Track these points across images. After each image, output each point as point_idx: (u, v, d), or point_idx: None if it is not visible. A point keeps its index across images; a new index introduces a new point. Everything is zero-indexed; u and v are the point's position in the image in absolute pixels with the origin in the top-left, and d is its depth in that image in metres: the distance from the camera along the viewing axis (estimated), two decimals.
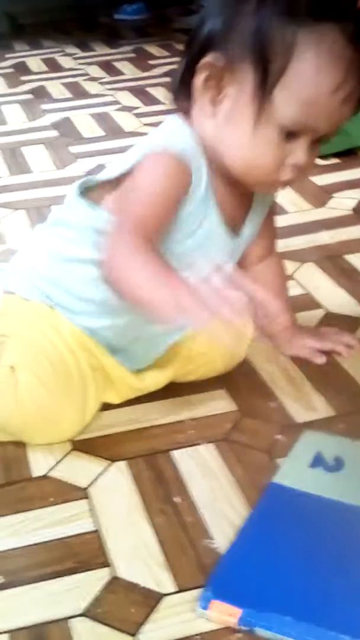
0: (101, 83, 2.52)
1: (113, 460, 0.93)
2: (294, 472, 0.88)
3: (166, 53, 2.86)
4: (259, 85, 0.81)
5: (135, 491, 0.89)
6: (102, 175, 0.94)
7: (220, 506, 0.86)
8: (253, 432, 0.97)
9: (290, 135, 0.83)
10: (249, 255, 1.03)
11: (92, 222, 0.91)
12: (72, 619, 0.74)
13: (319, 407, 1.00)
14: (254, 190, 0.93)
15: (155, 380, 1.01)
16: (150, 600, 0.75)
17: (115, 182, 0.90)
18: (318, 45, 0.79)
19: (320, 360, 1.07)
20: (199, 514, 0.85)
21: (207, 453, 0.94)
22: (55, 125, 2.14)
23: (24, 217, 1.59)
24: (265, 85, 0.81)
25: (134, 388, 1.00)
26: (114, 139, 2.02)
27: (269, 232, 1.05)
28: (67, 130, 2.10)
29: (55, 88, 2.49)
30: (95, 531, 0.84)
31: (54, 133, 2.08)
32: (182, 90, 0.87)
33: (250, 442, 0.95)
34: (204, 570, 0.78)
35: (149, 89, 2.44)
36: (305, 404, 1.01)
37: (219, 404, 1.02)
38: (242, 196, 0.94)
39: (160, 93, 2.39)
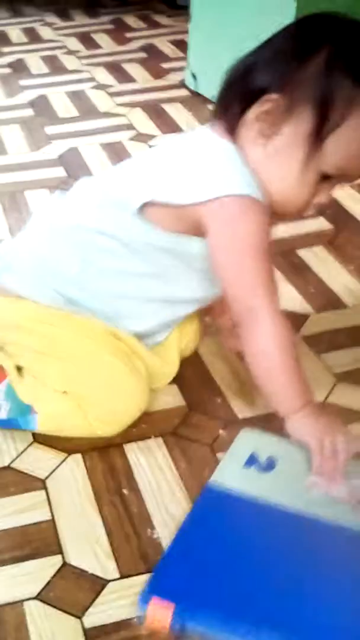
0: (78, 57, 2.56)
1: (70, 453, 1.02)
2: (229, 471, 0.95)
3: (143, 25, 2.89)
4: (314, 132, 0.89)
5: (88, 483, 0.98)
6: (157, 196, 0.95)
7: (164, 499, 0.95)
8: (198, 427, 1.06)
9: (325, 177, 0.92)
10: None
11: (147, 239, 0.97)
12: (26, 602, 0.84)
13: (260, 404, 1.09)
14: (277, 218, 0.99)
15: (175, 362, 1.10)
16: (96, 586, 0.85)
17: (181, 208, 0.94)
18: None
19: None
20: (144, 505, 0.95)
21: (155, 447, 1.03)
22: (31, 103, 2.19)
23: None
24: (320, 133, 0.89)
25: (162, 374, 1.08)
26: (87, 120, 2.08)
27: None
28: (42, 109, 2.15)
29: (34, 61, 2.52)
30: (51, 520, 0.93)
31: (30, 112, 2.14)
32: (229, 111, 0.94)
33: (196, 436, 1.05)
34: (146, 559, 0.88)
35: (124, 65, 2.48)
36: (248, 400, 1.10)
37: (170, 398, 1.11)
38: None
39: (134, 70, 2.44)
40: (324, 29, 0.91)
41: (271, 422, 1.05)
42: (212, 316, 1.18)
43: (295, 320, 1.26)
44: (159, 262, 0.99)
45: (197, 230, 0.95)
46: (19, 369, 1.04)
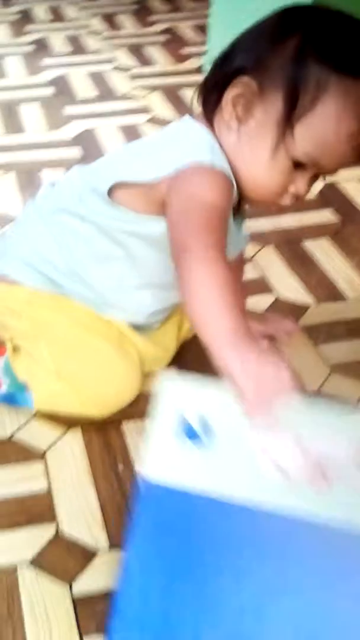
0: (101, 38, 2.58)
1: (69, 427, 1.07)
2: (162, 453, 0.73)
3: (168, 7, 2.90)
4: (284, 116, 0.87)
5: (86, 457, 1.03)
6: (125, 176, 0.96)
7: None
8: None
9: (298, 165, 0.91)
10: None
11: (117, 222, 0.99)
12: (19, 567, 0.88)
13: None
14: (251, 204, 0.99)
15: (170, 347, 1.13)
16: (87, 555, 0.90)
17: (148, 186, 0.93)
18: (345, 96, 0.86)
19: (262, 344, 1.18)
20: (137, 481, 0.99)
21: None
22: (52, 83, 2.22)
23: (14, 180, 1.69)
24: (290, 118, 0.87)
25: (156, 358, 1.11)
26: (106, 101, 2.11)
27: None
28: (62, 88, 2.18)
29: (57, 40, 2.55)
30: (48, 491, 0.98)
31: (50, 91, 2.17)
32: (209, 98, 0.94)
33: None
34: None
35: (145, 47, 2.50)
36: None
37: None
38: None
39: (155, 53, 2.46)
40: (301, 16, 0.91)
41: None
42: None
43: (295, 310, 1.29)
44: (135, 248, 1.01)
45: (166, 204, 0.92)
46: (16, 348, 1.09)
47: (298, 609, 0.70)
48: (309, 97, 0.86)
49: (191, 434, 0.73)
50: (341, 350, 1.21)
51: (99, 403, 1.04)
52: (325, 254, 1.46)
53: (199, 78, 2.20)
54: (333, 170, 0.94)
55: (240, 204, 0.99)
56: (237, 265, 1.14)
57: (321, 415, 0.70)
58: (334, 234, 1.52)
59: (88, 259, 1.03)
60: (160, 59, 2.42)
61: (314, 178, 0.94)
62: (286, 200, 0.95)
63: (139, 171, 0.95)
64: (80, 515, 0.94)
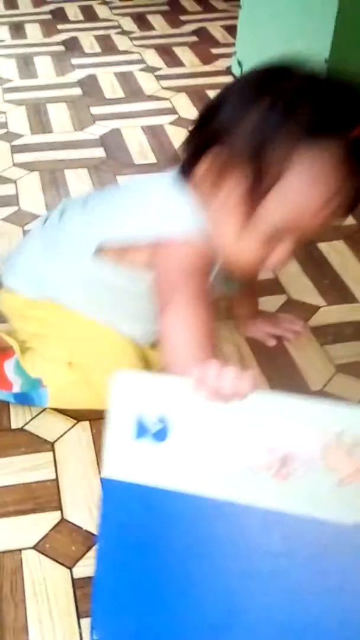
0: (131, 38, 2.62)
1: (79, 420, 1.11)
2: (120, 450, 0.73)
3: (199, 8, 2.93)
4: (253, 187, 0.83)
5: (93, 448, 1.07)
6: (109, 236, 0.99)
7: None
8: None
9: (275, 236, 0.87)
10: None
11: (108, 279, 1.02)
12: (24, 550, 0.93)
13: (260, 386, 1.16)
14: (236, 273, 0.97)
15: None
16: (88, 541, 0.94)
17: (132, 248, 0.97)
18: (310, 165, 0.81)
19: (271, 343, 1.25)
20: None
21: None
22: (80, 83, 2.26)
23: (37, 180, 1.74)
24: (258, 189, 0.82)
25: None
26: (132, 102, 2.15)
27: None
28: (90, 88, 2.23)
29: (87, 40, 2.59)
30: (55, 480, 1.02)
31: (78, 91, 2.21)
32: (189, 160, 0.90)
33: None
34: None
35: (174, 48, 2.54)
36: None
37: None
38: None
39: (184, 54, 2.50)
40: (270, 79, 0.84)
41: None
42: (230, 308, 1.26)
43: (305, 310, 1.32)
44: (124, 295, 1.04)
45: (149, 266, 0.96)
46: (24, 350, 1.13)
47: (267, 595, 0.73)
48: (275, 166, 0.81)
49: (146, 430, 0.72)
50: (348, 351, 1.24)
51: None
52: (339, 256, 1.49)
53: (227, 79, 2.25)
54: (313, 237, 0.90)
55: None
56: (248, 294, 1.22)
57: (288, 408, 0.71)
58: (349, 236, 1.54)
59: (82, 299, 1.07)
60: (188, 59, 2.46)
61: (298, 243, 0.89)
62: (266, 270, 0.93)
63: (123, 233, 0.96)
64: (84, 504, 0.98)
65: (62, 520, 0.96)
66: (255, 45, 2.20)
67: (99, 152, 1.87)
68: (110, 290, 1.03)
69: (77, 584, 0.89)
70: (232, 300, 1.24)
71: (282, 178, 0.81)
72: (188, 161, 0.90)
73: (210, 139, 0.86)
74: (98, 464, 1.04)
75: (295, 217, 0.84)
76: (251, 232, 0.86)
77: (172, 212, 0.93)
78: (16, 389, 1.12)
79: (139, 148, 1.89)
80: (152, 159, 1.84)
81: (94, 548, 0.93)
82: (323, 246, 1.51)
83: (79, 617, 0.85)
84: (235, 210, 0.86)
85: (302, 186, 0.82)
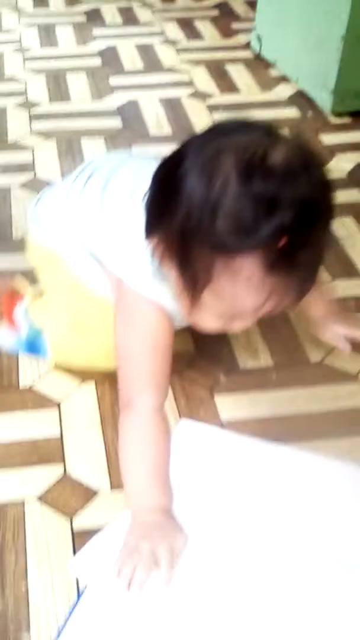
0: (153, 10, 2.63)
1: (84, 380, 1.15)
2: None
3: None
4: (187, 285, 0.84)
5: (97, 408, 1.11)
6: (95, 248, 1.03)
7: None
8: (202, 371, 1.17)
9: (227, 316, 0.88)
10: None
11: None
12: (27, 501, 0.97)
13: (262, 357, 1.20)
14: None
15: None
16: (89, 494, 0.98)
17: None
18: (234, 276, 0.79)
19: (345, 347, 1.15)
20: None
21: None
22: (100, 53, 2.28)
23: (54, 148, 1.77)
24: (192, 287, 0.83)
25: None
26: (151, 74, 2.17)
27: None
28: (110, 59, 2.25)
29: (109, 11, 2.61)
30: (59, 437, 1.06)
31: (98, 62, 2.23)
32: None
33: (198, 379, 1.16)
34: None
35: (195, 22, 2.55)
36: (251, 354, 1.21)
37: (181, 344, 1.21)
38: None
39: (204, 27, 2.51)
40: (192, 184, 0.78)
41: (268, 375, 1.16)
42: (301, 310, 1.19)
43: None
44: None
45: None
46: (35, 297, 1.18)
47: None
48: (200, 275, 0.81)
49: None
50: None
51: (108, 354, 1.11)
52: (347, 233, 1.51)
53: (246, 54, 2.27)
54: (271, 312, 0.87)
55: None
56: (317, 297, 1.12)
57: None
58: (359, 213, 1.56)
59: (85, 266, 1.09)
60: (209, 33, 2.47)
61: (256, 318, 0.89)
62: (236, 329, 0.92)
63: (104, 254, 1.02)
64: (87, 459, 1.03)
65: (65, 474, 1.01)
66: (274, 20, 2.21)
67: (115, 122, 1.90)
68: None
69: (76, 534, 0.93)
70: (305, 302, 1.08)
71: (211, 284, 0.81)
72: (145, 223, 0.88)
73: (152, 219, 0.86)
74: (102, 422, 1.08)
75: (235, 312, 0.86)
76: (200, 313, 0.88)
77: (136, 260, 0.95)
78: (23, 333, 1.17)
79: (156, 119, 1.92)
80: (167, 130, 1.86)
81: (94, 501, 0.97)
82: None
83: None
84: (182, 294, 0.87)
85: (229, 293, 0.81)
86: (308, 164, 0.78)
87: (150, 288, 0.94)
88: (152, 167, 0.88)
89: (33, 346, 1.16)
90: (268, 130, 0.81)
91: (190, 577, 0.86)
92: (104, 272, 1.04)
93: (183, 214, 0.79)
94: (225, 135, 0.81)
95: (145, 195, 0.87)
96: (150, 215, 0.86)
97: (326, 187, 0.81)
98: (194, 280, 0.82)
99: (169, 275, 0.88)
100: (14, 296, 1.21)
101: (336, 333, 1.15)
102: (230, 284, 0.80)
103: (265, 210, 0.75)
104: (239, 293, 0.81)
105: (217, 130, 0.84)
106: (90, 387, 1.14)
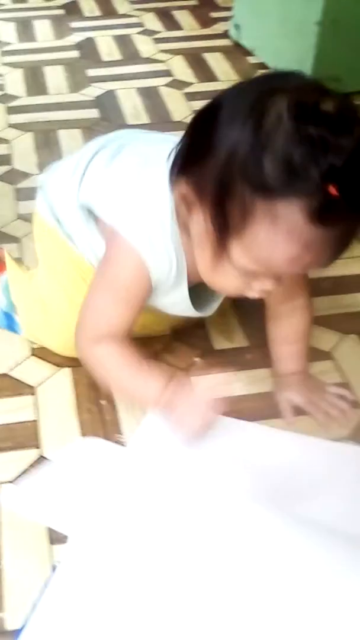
0: (131, 2, 2.63)
1: (61, 366, 1.16)
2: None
3: None
4: (217, 232, 0.81)
5: (73, 393, 1.11)
6: (94, 203, 1.00)
7: (134, 409, 1.08)
8: (177, 353, 1.18)
9: (249, 275, 0.85)
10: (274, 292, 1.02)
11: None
12: (3, 484, 0.98)
13: (236, 339, 1.21)
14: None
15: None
16: None
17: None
18: (274, 221, 0.76)
19: (288, 418, 1.06)
20: (116, 414, 1.08)
21: None
22: (79, 45, 2.29)
23: (31, 140, 1.78)
24: (222, 235, 0.81)
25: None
26: (129, 64, 2.17)
27: None
28: (88, 51, 2.25)
29: (88, 4, 2.61)
30: (35, 421, 1.07)
31: (75, 54, 2.24)
32: (172, 172, 0.88)
33: (173, 361, 1.17)
34: None
35: (174, 12, 2.55)
36: (227, 335, 1.22)
37: (157, 326, 1.22)
38: None
39: (183, 17, 2.51)
40: (251, 108, 0.77)
41: (242, 356, 1.17)
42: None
43: None
44: None
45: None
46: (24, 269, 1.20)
47: None
48: (237, 218, 0.78)
49: None
50: (323, 304, 1.27)
51: (68, 343, 1.09)
52: None
53: (224, 42, 2.27)
54: (291, 274, 0.87)
55: None
56: (296, 304, 1.08)
57: None
58: None
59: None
60: (187, 23, 2.47)
61: (279, 281, 0.87)
62: (254, 294, 0.90)
63: (99, 205, 0.99)
64: (62, 444, 1.03)
65: (41, 457, 1.01)
66: (252, 8, 2.22)
67: (93, 113, 1.90)
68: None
69: None
70: (276, 353, 1.12)
71: (244, 232, 0.78)
72: (172, 170, 0.87)
73: (187, 162, 0.84)
74: (77, 407, 1.09)
75: (260, 266, 0.82)
76: (223, 267, 0.85)
77: (145, 210, 0.93)
78: (2, 305, 1.18)
79: (133, 109, 1.92)
80: (145, 119, 1.87)
81: None
82: None
83: (51, 543, 0.90)
84: (206, 244, 0.84)
85: (264, 241, 0.78)
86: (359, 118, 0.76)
87: (145, 239, 0.92)
88: (171, 138, 0.92)
89: (10, 321, 1.17)
90: (317, 81, 0.79)
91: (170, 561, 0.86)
92: (98, 234, 1.02)
93: (226, 153, 0.76)
94: (274, 79, 0.81)
95: (176, 144, 0.86)
96: (183, 159, 0.84)
97: None
98: (226, 226, 0.79)
99: (191, 225, 0.86)
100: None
101: (288, 400, 1.07)
102: (266, 230, 0.77)
103: (318, 154, 0.73)
104: (273, 242, 0.77)
105: (264, 77, 0.84)
106: (65, 372, 1.15)
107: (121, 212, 0.95)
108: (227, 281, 0.88)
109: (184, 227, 0.89)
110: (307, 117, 0.74)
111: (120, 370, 1.00)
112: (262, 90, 0.77)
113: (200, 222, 0.84)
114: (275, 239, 0.77)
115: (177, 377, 0.98)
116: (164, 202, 0.91)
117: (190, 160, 0.83)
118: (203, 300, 1.06)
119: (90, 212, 1.02)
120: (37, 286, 1.14)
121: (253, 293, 0.89)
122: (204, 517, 0.89)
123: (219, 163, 0.77)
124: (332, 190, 0.73)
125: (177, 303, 1.02)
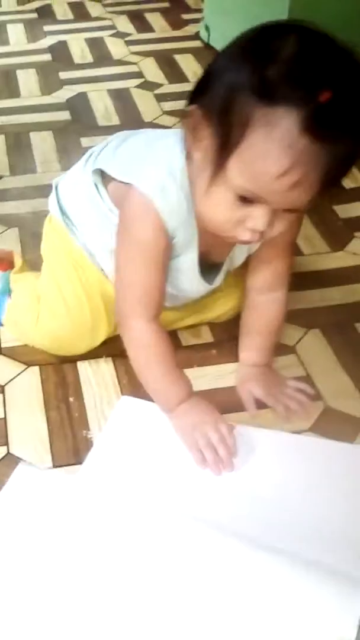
0: (103, 5, 2.66)
1: (29, 365, 1.18)
2: None
3: None
4: (218, 149, 0.83)
5: (41, 391, 1.13)
6: (106, 167, 1.03)
7: (103, 406, 1.10)
8: None
9: (246, 199, 0.85)
10: (257, 279, 1.11)
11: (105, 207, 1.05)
12: None
13: (203, 335, 1.23)
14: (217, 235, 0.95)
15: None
16: None
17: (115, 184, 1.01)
18: (270, 129, 0.79)
19: (250, 409, 1.08)
20: (84, 411, 1.10)
21: (105, 366, 1.17)
22: (51, 49, 2.31)
23: (2, 142, 1.79)
24: (223, 150, 0.83)
25: None
26: (100, 66, 2.19)
27: (281, 259, 1.09)
28: (60, 54, 2.27)
29: (61, 8, 2.63)
30: (2, 419, 1.09)
31: (48, 57, 2.26)
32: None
33: None
34: (77, 454, 1.03)
35: (146, 14, 2.57)
36: (194, 332, 1.24)
37: None
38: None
39: (154, 19, 2.54)
40: (249, 46, 0.82)
41: (209, 351, 1.19)
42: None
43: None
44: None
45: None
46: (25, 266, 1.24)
47: None
48: (236, 129, 0.81)
49: None
50: (289, 299, 1.28)
51: (53, 341, 1.14)
52: None
53: (195, 44, 2.30)
54: (294, 208, 0.87)
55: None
56: (274, 297, 1.12)
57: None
58: None
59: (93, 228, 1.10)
60: (158, 25, 2.50)
61: (281, 214, 0.88)
62: (245, 235, 0.90)
63: (113, 167, 1.01)
64: (30, 440, 1.05)
65: (8, 454, 1.03)
66: (221, 9, 2.24)
67: (64, 115, 1.92)
68: (102, 216, 1.06)
69: None
70: (244, 334, 1.15)
71: (242, 142, 0.81)
72: (187, 103, 0.89)
73: (197, 90, 0.87)
74: (45, 404, 1.11)
75: (255, 183, 0.83)
76: (218, 191, 0.86)
77: (154, 161, 0.96)
78: None
79: (104, 111, 1.94)
80: (115, 121, 1.89)
81: None
82: None
83: None
84: (206, 168, 0.86)
85: (256, 153, 0.80)
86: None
87: (157, 188, 0.94)
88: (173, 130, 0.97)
89: None
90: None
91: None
92: (110, 205, 1.04)
93: (235, 70, 0.81)
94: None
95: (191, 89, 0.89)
96: (195, 90, 0.87)
97: None
98: (227, 137, 0.82)
99: (195, 153, 0.89)
100: (6, 264, 1.25)
101: (251, 392, 1.09)
102: (262, 140, 0.79)
103: (319, 66, 0.78)
104: (267, 152, 0.80)
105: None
106: (34, 371, 1.16)
107: (132, 166, 0.98)
108: (220, 208, 0.88)
109: (190, 158, 0.91)
110: (315, 40, 0.81)
111: (150, 362, 1.04)
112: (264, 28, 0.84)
113: (203, 145, 0.86)
114: (269, 148, 0.79)
115: (203, 401, 1.04)
116: (174, 159, 0.93)
117: (201, 87, 0.87)
118: (207, 275, 1.08)
119: (100, 186, 1.05)
120: (38, 285, 1.17)
121: (244, 232, 0.89)
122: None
123: (228, 78, 0.82)
124: (325, 95, 0.76)
125: (187, 269, 1.03)
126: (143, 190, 0.94)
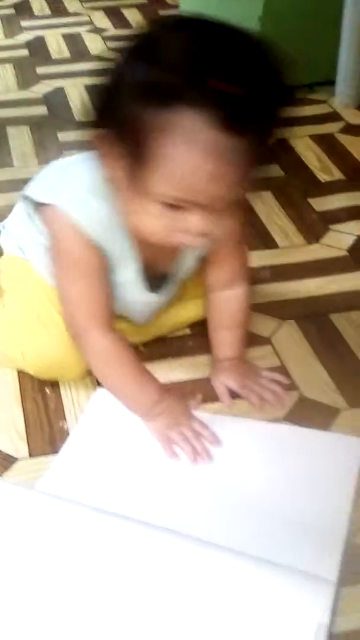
0: (81, 0, 2.66)
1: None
2: None
3: None
4: (133, 163, 0.81)
5: (18, 383, 1.14)
6: (30, 192, 1.02)
7: (80, 398, 1.11)
8: None
9: (173, 206, 0.82)
10: (215, 278, 1.10)
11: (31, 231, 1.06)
12: None
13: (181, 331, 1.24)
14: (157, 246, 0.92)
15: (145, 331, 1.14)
16: (7, 462, 1.01)
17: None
18: (178, 133, 0.76)
19: (225, 403, 1.09)
20: (61, 402, 1.10)
21: None
22: (28, 44, 2.31)
23: None
24: (137, 164, 0.80)
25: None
26: (78, 62, 2.20)
27: (234, 257, 1.09)
28: (37, 50, 2.27)
29: (38, 3, 2.63)
30: None
31: (25, 52, 2.26)
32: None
33: None
34: (54, 444, 1.04)
35: (123, 10, 2.58)
36: None
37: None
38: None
39: (131, 15, 2.54)
40: (138, 53, 0.79)
41: (185, 343, 1.20)
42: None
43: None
44: None
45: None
46: None
47: None
48: (144, 143, 0.78)
49: None
50: (262, 292, 1.31)
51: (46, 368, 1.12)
52: (265, 206, 1.55)
53: None
54: (222, 204, 0.83)
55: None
56: (235, 291, 1.11)
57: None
58: (277, 187, 1.61)
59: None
60: (135, 21, 2.50)
61: (220, 211, 0.84)
62: (186, 239, 0.87)
63: (35, 190, 1.01)
64: (5, 430, 1.06)
65: None
66: (197, 5, 2.24)
67: (41, 110, 1.93)
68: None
69: None
70: (214, 338, 1.15)
71: (154, 151, 0.78)
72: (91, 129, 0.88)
73: (97, 117, 0.85)
74: (22, 396, 1.11)
75: (178, 187, 0.80)
76: (145, 201, 0.84)
77: (73, 178, 0.96)
78: None
79: (81, 106, 1.94)
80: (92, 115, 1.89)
81: (12, 468, 1.00)
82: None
83: None
84: (125, 184, 0.84)
85: (172, 157, 0.78)
86: (276, 61, 0.80)
87: (68, 200, 0.94)
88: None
89: None
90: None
91: None
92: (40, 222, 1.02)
93: (128, 84, 0.78)
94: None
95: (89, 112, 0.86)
96: (95, 114, 0.85)
97: (286, 90, 0.82)
98: (138, 151, 0.79)
99: (112, 171, 0.86)
100: None
101: (224, 384, 1.10)
102: (173, 145, 0.77)
103: (214, 60, 0.75)
104: (181, 157, 0.77)
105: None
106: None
107: (52, 187, 0.98)
108: (149, 218, 0.85)
109: (113, 185, 0.89)
110: (202, 37, 0.77)
111: (116, 371, 1.03)
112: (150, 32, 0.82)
113: (117, 167, 0.84)
114: (181, 151, 0.77)
115: (172, 392, 1.05)
116: (93, 176, 0.90)
117: (99, 109, 0.84)
118: (161, 287, 1.08)
119: (32, 212, 1.04)
120: (6, 314, 1.13)
121: (189, 237, 0.86)
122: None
123: (116, 97, 0.79)
124: (223, 87, 0.74)
125: (129, 282, 1.02)
126: (60, 207, 0.94)
